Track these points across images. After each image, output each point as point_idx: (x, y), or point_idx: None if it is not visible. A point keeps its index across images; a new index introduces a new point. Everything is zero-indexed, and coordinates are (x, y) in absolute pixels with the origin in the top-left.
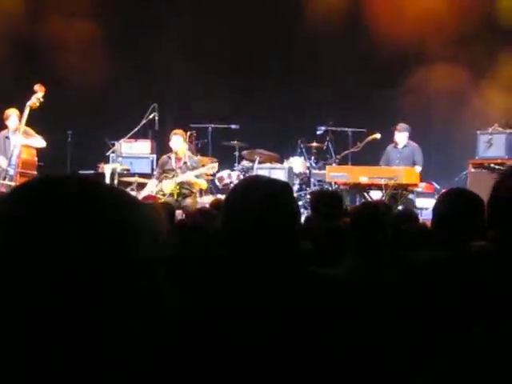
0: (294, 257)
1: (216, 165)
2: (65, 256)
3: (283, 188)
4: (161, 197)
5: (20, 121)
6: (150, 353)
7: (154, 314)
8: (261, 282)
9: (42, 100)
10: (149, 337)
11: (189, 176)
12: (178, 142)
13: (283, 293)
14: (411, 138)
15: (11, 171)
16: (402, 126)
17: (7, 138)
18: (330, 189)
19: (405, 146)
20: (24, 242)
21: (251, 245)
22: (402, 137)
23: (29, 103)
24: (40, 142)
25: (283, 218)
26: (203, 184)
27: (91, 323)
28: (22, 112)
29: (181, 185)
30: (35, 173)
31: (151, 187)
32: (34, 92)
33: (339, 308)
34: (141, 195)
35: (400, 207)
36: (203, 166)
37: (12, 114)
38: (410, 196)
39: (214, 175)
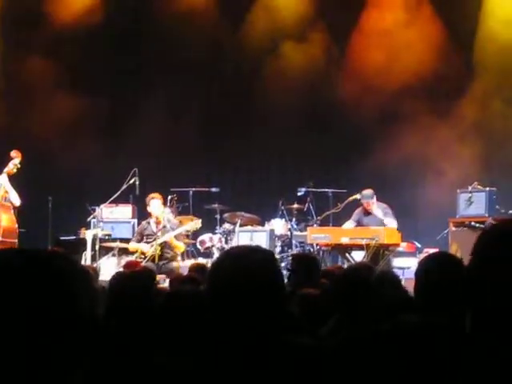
0: (273, 326)
1: (199, 221)
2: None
3: (265, 259)
4: (141, 260)
5: None
6: None
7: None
8: (239, 352)
9: (19, 166)
10: None
11: (170, 235)
12: (159, 205)
13: (258, 363)
14: (389, 198)
15: None
16: (366, 194)
17: None
18: (312, 250)
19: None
20: None
21: (233, 316)
22: (370, 204)
23: (6, 170)
24: (16, 197)
25: (264, 289)
26: (181, 246)
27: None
28: None
29: (162, 247)
30: (16, 241)
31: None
32: (10, 158)
33: (312, 378)
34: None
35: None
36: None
37: None
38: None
39: (195, 239)
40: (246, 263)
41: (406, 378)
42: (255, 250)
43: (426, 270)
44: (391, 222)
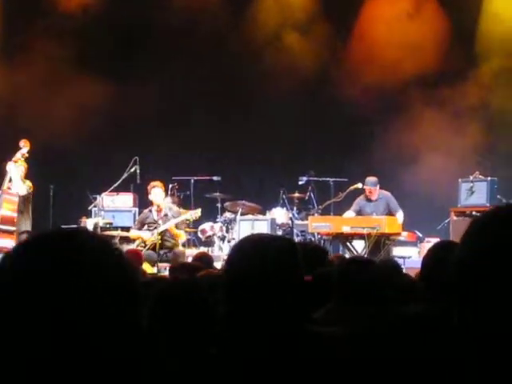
0: (294, 315)
1: (199, 210)
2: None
3: (285, 245)
4: (141, 249)
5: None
6: None
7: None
8: (259, 341)
9: (27, 155)
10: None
11: (170, 224)
12: (160, 193)
13: (281, 354)
14: (391, 185)
15: None
16: (370, 181)
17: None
18: (313, 239)
19: (378, 199)
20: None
21: (252, 303)
22: (373, 191)
23: (14, 158)
24: (19, 186)
25: (285, 277)
26: (182, 235)
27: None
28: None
29: (163, 236)
30: (14, 229)
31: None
32: (18, 148)
33: (337, 366)
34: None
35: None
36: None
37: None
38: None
39: (196, 228)
40: (266, 251)
41: (410, 366)
42: (276, 238)
43: (434, 258)
44: (401, 217)
